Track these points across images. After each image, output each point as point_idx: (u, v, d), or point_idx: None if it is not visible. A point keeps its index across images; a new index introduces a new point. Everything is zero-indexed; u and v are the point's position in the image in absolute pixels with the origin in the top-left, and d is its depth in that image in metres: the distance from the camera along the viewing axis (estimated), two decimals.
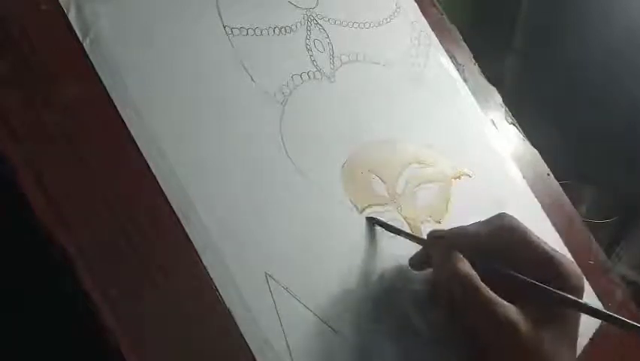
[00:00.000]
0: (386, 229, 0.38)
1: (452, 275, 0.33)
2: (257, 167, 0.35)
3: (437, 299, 0.37)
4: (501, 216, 0.35)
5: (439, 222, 0.42)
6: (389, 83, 0.45)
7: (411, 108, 0.45)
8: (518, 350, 0.31)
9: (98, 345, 0.27)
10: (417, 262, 0.37)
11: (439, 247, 0.35)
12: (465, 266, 0.33)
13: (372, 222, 0.38)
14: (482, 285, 0.32)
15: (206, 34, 0.37)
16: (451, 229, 0.36)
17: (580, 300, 0.32)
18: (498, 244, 0.34)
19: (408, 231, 0.39)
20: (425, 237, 0.37)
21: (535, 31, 1.04)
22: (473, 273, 0.33)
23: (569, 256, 0.48)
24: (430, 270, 0.37)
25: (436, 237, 0.36)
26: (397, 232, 0.38)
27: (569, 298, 0.32)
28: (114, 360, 0.27)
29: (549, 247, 0.34)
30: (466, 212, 0.43)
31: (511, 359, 0.31)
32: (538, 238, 0.34)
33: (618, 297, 0.51)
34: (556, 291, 0.32)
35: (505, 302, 0.32)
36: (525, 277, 0.33)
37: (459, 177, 0.45)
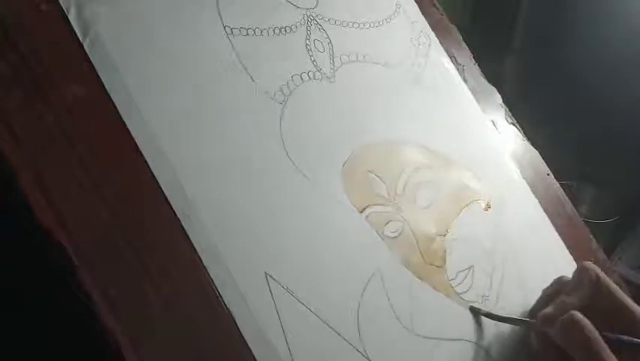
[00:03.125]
0: (492, 319, 0.39)
1: (581, 344, 0.34)
2: (257, 167, 0.35)
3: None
4: (587, 273, 0.37)
5: (443, 232, 0.42)
6: (389, 83, 0.45)
7: (411, 108, 0.45)
8: None
9: (98, 345, 0.27)
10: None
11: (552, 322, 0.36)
12: (594, 333, 0.34)
13: (476, 313, 0.39)
14: (608, 351, 0.33)
15: (206, 35, 0.37)
16: (553, 304, 0.37)
17: None
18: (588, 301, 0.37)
19: (503, 315, 0.39)
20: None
21: (535, 31, 1.04)
22: (601, 341, 0.34)
23: (569, 256, 0.48)
24: None
25: (545, 319, 0.37)
26: (504, 320, 0.39)
27: None
28: (114, 360, 0.27)
29: (630, 300, 0.36)
30: (465, 213, 0.43)
31: None
32: (618, 289, 0.36)
33: None
34: None
35: None
36: (632, 339, 0.34)
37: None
